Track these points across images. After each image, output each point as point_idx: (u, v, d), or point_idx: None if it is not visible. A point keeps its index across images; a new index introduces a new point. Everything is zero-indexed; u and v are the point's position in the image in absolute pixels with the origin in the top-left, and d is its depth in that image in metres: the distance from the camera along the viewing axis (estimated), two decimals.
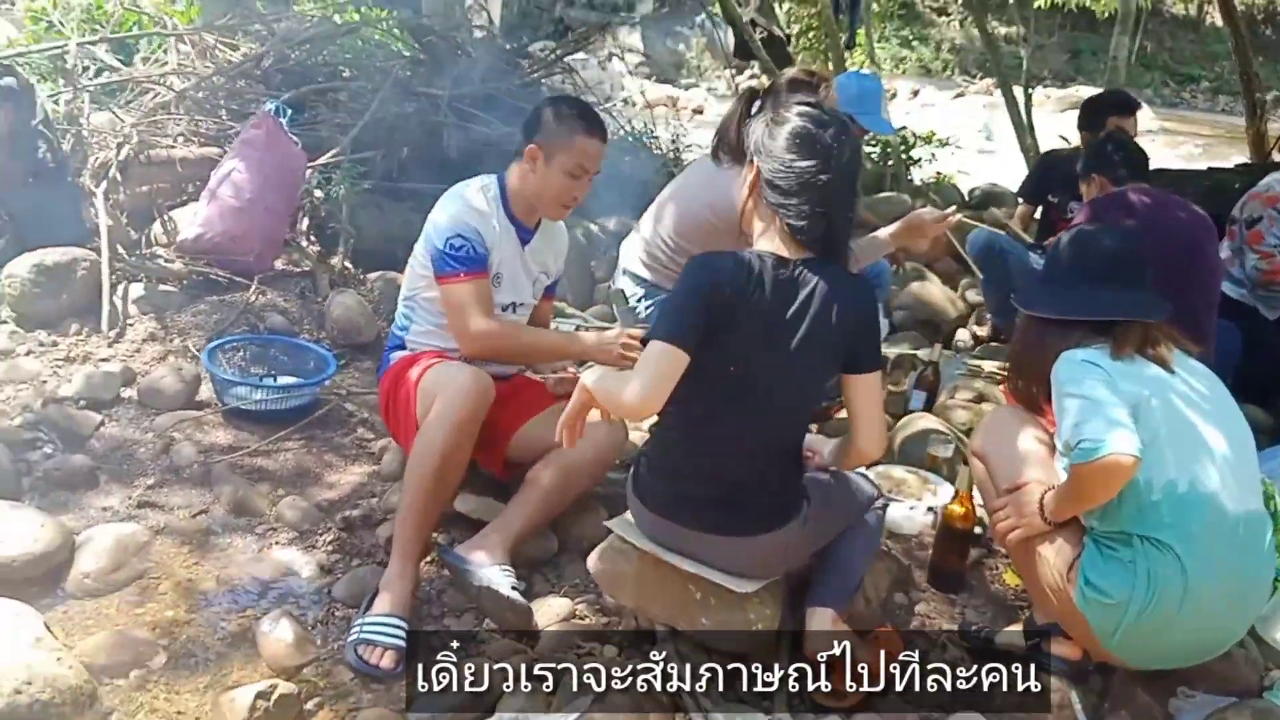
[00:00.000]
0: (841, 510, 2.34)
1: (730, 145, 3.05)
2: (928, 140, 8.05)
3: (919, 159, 7.81)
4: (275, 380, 3.50)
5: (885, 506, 2.49)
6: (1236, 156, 8.65)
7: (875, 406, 2.20)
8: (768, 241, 2.19)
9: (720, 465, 2.20)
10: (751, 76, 13.63)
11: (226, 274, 4.09)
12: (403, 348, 2.90)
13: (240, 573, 2.62)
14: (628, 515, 2.41)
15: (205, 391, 3.48)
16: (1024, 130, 8.15)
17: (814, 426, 3.44)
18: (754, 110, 3.04)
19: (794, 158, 2.11)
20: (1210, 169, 6.62)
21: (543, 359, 2.88)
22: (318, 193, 4.85)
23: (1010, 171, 8.23)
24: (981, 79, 17.98)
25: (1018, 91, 8.49)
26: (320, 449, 3.28)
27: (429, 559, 2.66)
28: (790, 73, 3.06)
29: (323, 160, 4.84)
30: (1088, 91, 9.84)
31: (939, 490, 3.01)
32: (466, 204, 2.73)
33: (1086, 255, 2.35)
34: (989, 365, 4.02)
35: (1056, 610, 2.21)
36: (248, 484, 3.00)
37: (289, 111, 4.48)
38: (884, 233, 3.10)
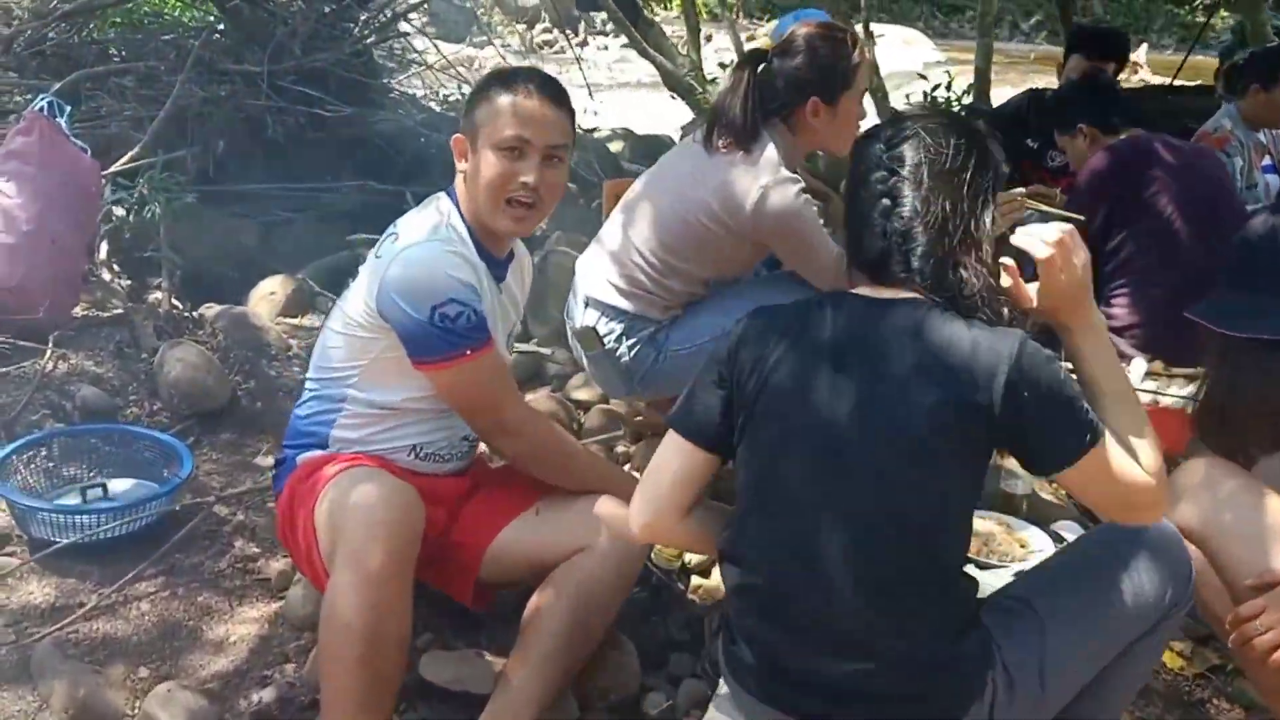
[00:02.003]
0: (1086, 653, 1.51)
1: (735, 126, 2.27)
2: None
3: None
4: (106, 493, 2.47)
5: (1184, 608, 1.60)
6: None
7: (1114, 483, 1.41)
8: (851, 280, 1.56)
9: (821, 617, 1.42)
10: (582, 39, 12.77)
11: (6, 338, 2.99)
12: (320, 447, 1.98)
13: None
14: (723, 690, 1.62)
15: (1, 521, 2.44)
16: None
17: None
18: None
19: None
20: (1169, 86, 6.21)
21: (571, 479, 2.01)
22: (118, 210, 3.75)
23: None
24: None
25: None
26: (191, 588, 2.32)
27: None
28: (804, 30, 2.30)
29: (119, 166, 3.74)
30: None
31: (1030, 540, 2.36)
32: (441, 252, 1.84)
33: None
34: None
35: None
36: (90, 669, 2.03)
37: (66, 109, 3.35)
38: None
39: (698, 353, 2.36)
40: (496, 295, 1.98)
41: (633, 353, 2.39)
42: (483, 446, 2.12)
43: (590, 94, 6.07)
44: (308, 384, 2.03)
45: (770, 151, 2.25)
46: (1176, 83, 6.14)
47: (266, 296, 3.78)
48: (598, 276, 2.43)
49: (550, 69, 5.82)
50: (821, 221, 2.28)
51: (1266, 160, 4.13)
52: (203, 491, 2.64)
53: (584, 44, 12.49)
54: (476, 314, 1.81)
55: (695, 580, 2.31)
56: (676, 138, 7.65)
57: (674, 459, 1.53)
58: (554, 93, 1.91)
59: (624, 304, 2.39)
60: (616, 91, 9.58)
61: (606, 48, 12.55)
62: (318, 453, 1.96)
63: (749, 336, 1.46)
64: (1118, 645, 1.50)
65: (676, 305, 2.42)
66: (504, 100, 1.87)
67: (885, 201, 1.45)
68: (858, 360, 1.39)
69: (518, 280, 2.11)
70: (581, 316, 2.45)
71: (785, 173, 2.23)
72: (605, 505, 1.90)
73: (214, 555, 2.44)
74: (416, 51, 6.53)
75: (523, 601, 1.94)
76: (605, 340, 2.42)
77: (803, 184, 2.24)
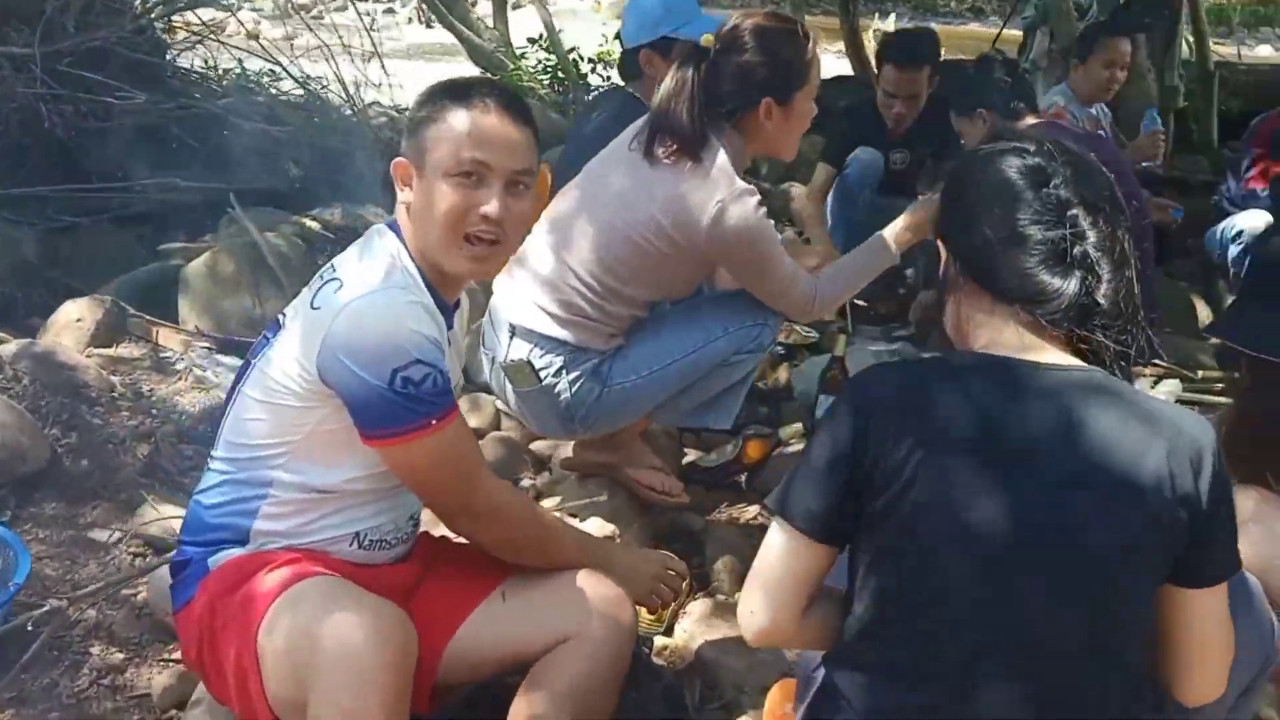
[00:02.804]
0: None
1: (682, 133, 2.01)
2: None
3: None
4: None
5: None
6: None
7: (1219, 629, 1.26)
8: (989, 333, 1.28)
9: None
10: None
11: None
12: (239, 544, 1.58)
13: None
14: None
15: None
16: None
17: None
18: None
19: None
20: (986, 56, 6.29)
21: (550, 562, 1.69)
22: None
23: None
24: None
25: None
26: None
27: None
28: (751, 22, 2.05)
29: None
30: None
31: None
32: (401, 302, 1.48)
33: None
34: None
35: None
36: None
37: None
38: (893, 232, 2.21)
39: (644, 384, 2.13)
40: (448, 347, 1.64)
41: (574, 388, 2.10)
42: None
43: (383, 67, 5.50)
44: (214, 466, 1.63)
45: (722, 159, 2.01)
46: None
47: (71, 325, 3.18)
48: (525, 302, 2.11)
49: (313, 37, 5.42)
50: (817, 237, 2.07)
51: (1101, 133, 4.28)
52: (38, 586, 2.14)
53: (344, 8, 11.36)
54: (442, 375, 1.48)
55: (659, 640, 2.07)
56: None
57: (791, 556, 1.27)
58: (516, 109, 1.58)
59: (562, 333, 2.09)
60: (404, 62, 8.95)
61: (384, 13, 11.68)
62: (237, 552, 1.57)
63: (872, 411, 1.20)
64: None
65: (619, 332, 2.15)
66: (458, 118, 1.53)
67: (1060, 229, 1.21)
68: (1023, 445, 1.16)
69: (460, 328, 1.78)
70: (508, 348, 2.13)
71: (741, 184, 2.00)
72: (593, 585, 1.64)
73: (68, 670, 1.99)
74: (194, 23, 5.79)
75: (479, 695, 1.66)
76: (541, 374, 2.11)
77: (758, 195, 2.02)
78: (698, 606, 2.07)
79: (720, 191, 1.97)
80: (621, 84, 2.98)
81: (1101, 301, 1.20)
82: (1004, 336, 1.24)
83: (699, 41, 2.62)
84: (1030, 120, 2.94)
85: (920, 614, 1.17)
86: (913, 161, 3.93)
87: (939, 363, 1.29)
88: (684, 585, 1.81)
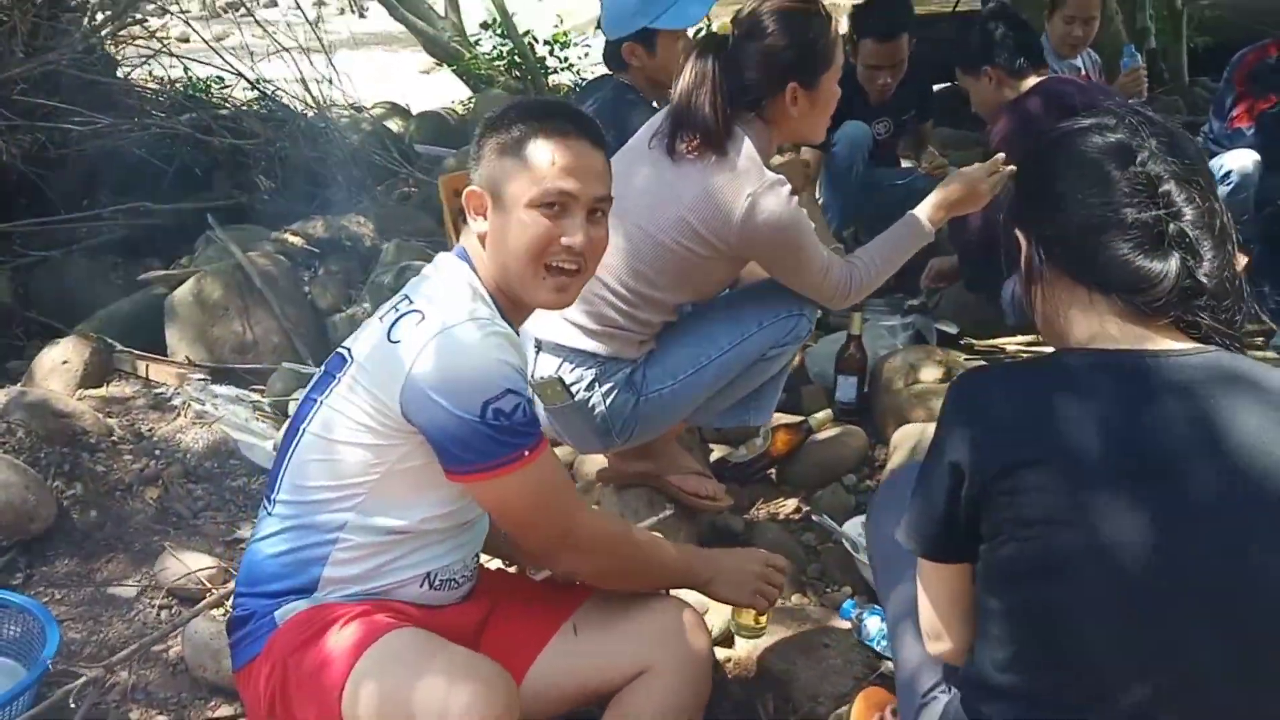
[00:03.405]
0: None
1: (705, 126, 1.92)
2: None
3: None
4: None
5: None
6: None
7: None
8: (1088, 327, 1.18)
9: None
10: None
11: None
12: (305, 593, 1.50)
13: None
14: None
15: None
16: None
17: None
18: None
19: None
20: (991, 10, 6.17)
21: (654, 584, 1.65)
22: None
23: None
24: None
25: None
26: None
27: None
28: (770, 5, 1.96)
29: None
30: None
31: None
32: (487, 333, 1.42)
33: None
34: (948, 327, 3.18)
35: None
36: None
37: None
38: (928, 209, 2.14)
39: (681, 389, 2.06)
40: None
41: (609, 400, 2.03)
42: None
43: (331, 63, 5.26)
44: (275, 511, 1.53)
45: (749, 150, 1.93)
46: (960, 8, 6.20)
47: (58, 368, 3.07)
48: (550, 316, 2.01)
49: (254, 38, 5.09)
50: (814, 226, 1.99)
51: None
52: (65, 653, 2.04)
53: (272, 5, 10.87)
54: (530, 405, 1.43)
55: (720, 653, 2.00)
56: (451, 109, 7.13)
57: (940, 589, 1.22)
58: (594, 133, 1.53)
59: (592, 345, 2.01)
60: (349, 53, 8.68)
61: (314, 5, 11.27)
62: (302, 605, 1.49)
63: (985, 430, 1.12)
64: None
65: (650, 338, 2.07)
66: (540, 147, 1.48)
67: (1153, 209, 1.13)
68: (1166, 460, 1.07)
69: None
70: (534, 364, 2.06)
71: (771, 174, 1.92)
72: (668, 612, 1.60)
73: None
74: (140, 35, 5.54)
75: None
76: (574, 390, 2.03)
77: (789, 185, 1.95)
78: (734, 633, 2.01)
79: (750, 184, 1.90)
80: (609, 72, 2.88)
81: (1205, 281, 1.12)
82: (1107, 329, 1.15)
83: (669, 27, 2.59)
84: (1034, 79, 2.88)
85: (1076, 655, 1.07)
86: (895, 129, 3.88)
87: (1052, 368, 1.19)
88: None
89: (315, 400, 1.53)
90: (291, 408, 3.00)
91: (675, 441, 2.28)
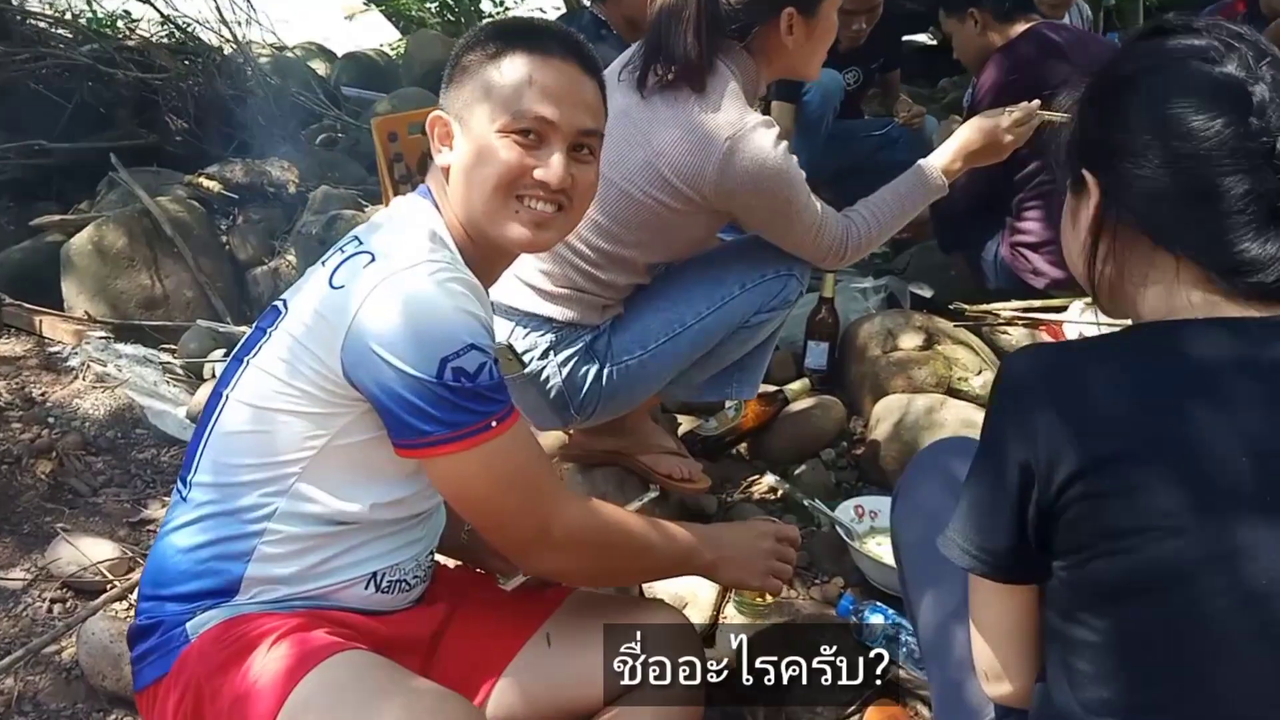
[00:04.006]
0: None
1: (684, 58, 1.68)
2: None
3: None
4: None
5: None
6: None
7: None
8: (1167, 298, 0.97)
9: None
10: None
11: None
12: (225, 596, 1.24)
13: None
14: None
15: None
16: None
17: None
18: None
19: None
20: None
21: (650, 578, 1.41)
22: None
23: None
24: None
25: None
26: None
27: None
28: None
29: None
30: None
31: None
32: (447, 279, 1.17)
33: None
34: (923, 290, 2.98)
35: None
36: None
37: None
38: (943, 158, 1.92)
39: (651, 359, 1.82)
40: None
41: (565, 371, 1.79)
42: None
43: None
44: (191, 496, 1.26)
45: (733, 88, 1.69)
46: None
47: None
48: (505, 275, 1.76)
49: None
50: (804, 175, 1.75)
51: None
52: None
53: None
54: (496, 365, 1.18)
55: None
56: (386, 50, 6.72)
57: (1001, 617, 1.00)
58: (584, 57, 1.29)
59: (550, 310, 1.77)
60: None
61: None
62: (221, 613, 1.22)
63: (1073, 413, 0.90)
64: None
65: (615, 302, 1.83)
66: (516, 64, 1.25)
67: (1272, 179, 0.90)
68: None
69: None
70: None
71: (755, 115, 1.69)
72: (654, 618, 1.37)
73: None
74: None
75: None
76: (526, 359, 1.79)
77: (777, 127, 1.71)
78: (733, 609, 1.81)
79: (730, 126, 1.65)
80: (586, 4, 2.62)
81: None
82: (1183, 300, 0.95)
83: None
84: (1022, 25, 2.68)
85: (1200, 690, 0.87)
86: (865, 78, 3.67)
87: (1147, 341, 0.96)
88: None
89: (242, 360, 1.27)
90: (206, 370, 2.70)
91: (648, 417, 2.06)
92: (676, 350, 1.82)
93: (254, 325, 1.31)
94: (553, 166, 1.24)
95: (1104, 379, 0.92)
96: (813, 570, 1.94)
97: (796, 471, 2.23)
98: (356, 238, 1.26)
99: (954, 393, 2.48)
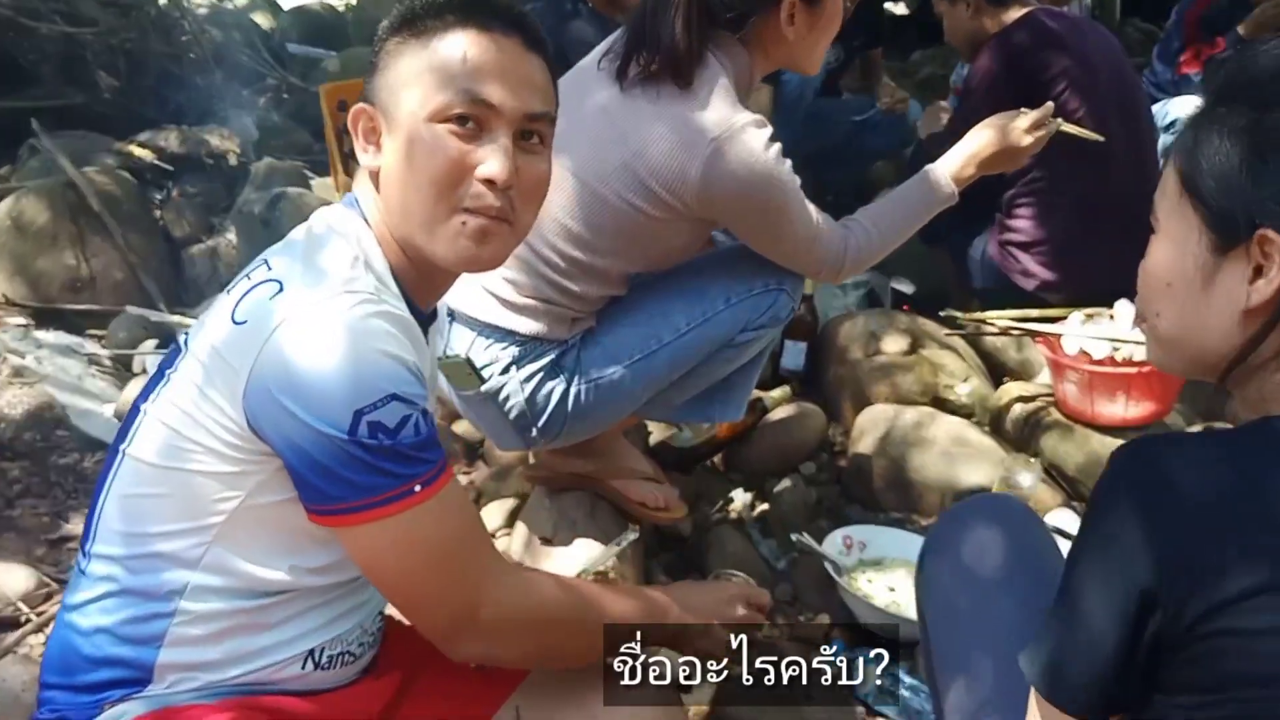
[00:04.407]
0: None
1: (671, 50, 1.49)
2: None
3: None
4: None
5: None
6: None
7: None
8: None
9: None
10: None
11: None
12: (137, 685, 1.06)
13: None
14: None
15: None
16: None
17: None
18: None
19: None
20: None
21: (598, 658, 1.22)
22: None
23: None
24: None
25: None
26: None
27: None
28: None
29: None
30: None
31: None
32: (367, 313, 0.98)
33: None
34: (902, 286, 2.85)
35: None
36: None
37: None
38: (954, 164, 1.75)
39: (624, 378, 1.66)
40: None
41: (529, 388, 1.61)
42: None
43: None
44: (91, 568, 1.08)
45: (721, 83, 1.51)
46: None
47: None
48: (467, 281, 1.59)
49: None
50: (798, 180, 1.58)
51: None
52: None
53: None
54: (425, 418, 1.00)
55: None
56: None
57: None
58: (528, 32, 1.10)
59: (513, 321, 1.60)
60: None
61: None
62: (135, 707, 1.05)
63: (1202, 530, 0.75)
64: None
65: (587, 315, 1.66)
66: (449, 40, 1.05)
67: None
68: None
69: (435, 347, 1.27)
70: (447, 339, 1.64)
71: (745, 114, 1.51)
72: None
73: None
74: None
75: None
76: (485, 373, 1.62)
77: (769, 127, 1.54)
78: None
79: (716, 126, 1.48)
80: None
81: None
82: None
83: None
84: (1018, 11, 2.53)
85: None
86: (845, 56, 3.50)
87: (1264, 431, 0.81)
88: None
89: (139, 410, 1.08)
90: (137, 363, 2.49)
91: (621, 437, 1.89)
92: (652, 369, 1.66)
93: (157, 368, 1.12)
94: (497, 158, 1.04)
95: (1256, 491, 0.77)
96: (796, 605, 1.80)
97: (776, 489, 2.09)
98: (266, 261, 1.07)
99: (939, 401, 2.36)
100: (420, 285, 1.12)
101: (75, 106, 3.57)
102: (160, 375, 1.09)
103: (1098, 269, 2.47)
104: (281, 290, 1.00)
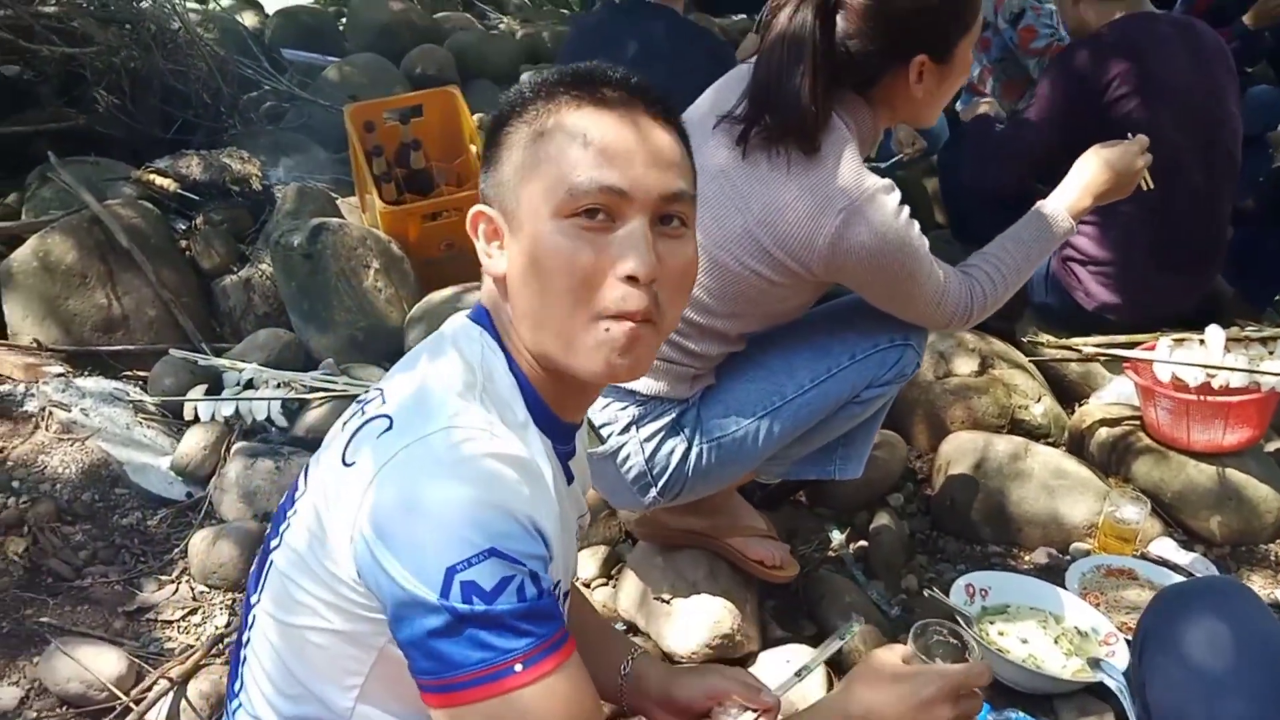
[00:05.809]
0: None
1: (797, 114, 1.43)
2: None
3: None
4: None
5: None
6: None
7: None
8: None
9: None
10: None
11: None
12: None
13: None
14: None
15: None
16: None
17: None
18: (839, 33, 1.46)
19: None
20: None
21: None
22: None
23: None
24: None
25: None
26: None
27: None
28: None
29: None
30: None
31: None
32: (470, 446, 0.88)
33: None
34: None
35: None
36: None
37: None
38: (1069, 197, 1.68)
39: (746, 436, 1.62)
40: (564, 491, 1.05)
41: (649, 449, 1.57)
42: None
43: None
44: (257, 710, 1.03)
45: (849, 147, 1.46)
46: None
47: None
48: None
49: None
50: (927, 242, 1.53)
51: None
52: None
53: None
54: (534, 581, 0.86)
55: None
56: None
57: None
58: (657, 102, 0.99)
59: (635, 382, 1.54)
60: None
61: None
62: None
63: None
64: None
65: (706, 372, 1.62)
66: (563, 124, 0.95)
67: None
68: None
69: (581, 453, 1.18)
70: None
71: (872, 180, 1.45)
72: None
73: None
74: None
75: None
76: (604, 433, 1.57)
77: (897, 190, 1.49)
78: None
79: (845, 195, 1.43)
80: None
81: None
82: None
83: None
84: (1121, 11, 2.38)
85: None
86: None
87: None
88: None
89: (267, 555, 1.02)
90: (188, 410, 2.39)
91: (737, 494, 1.85)
92: (775, 426, 1.61)
93: (279, 508, 1.05)
94: (637, 253, 0.92)
95: None
96: None
97: (872, 526, 2.06)
98: (381, 391, 0.98)
99: (1016, 423, 2.34)
100: (562, 398, 1.02)
101: (78, 128, 3.42)
102: (281, 515, 1.03)
103: (1159, 296, 2.46)
104: (391, 428, 0.91)
